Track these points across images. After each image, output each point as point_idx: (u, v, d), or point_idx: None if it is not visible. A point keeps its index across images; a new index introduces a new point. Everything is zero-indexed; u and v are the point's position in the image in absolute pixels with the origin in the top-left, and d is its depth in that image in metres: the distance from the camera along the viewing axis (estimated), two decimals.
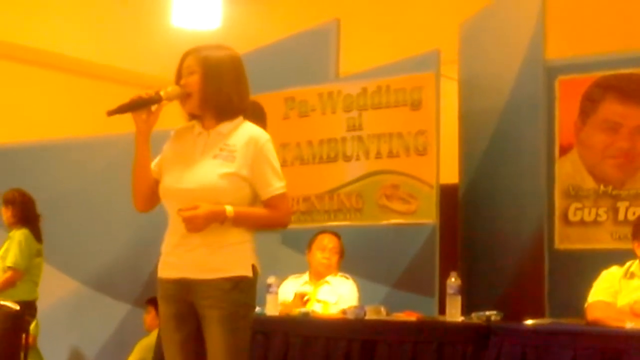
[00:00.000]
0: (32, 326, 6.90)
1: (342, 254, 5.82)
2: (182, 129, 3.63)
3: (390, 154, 6.08)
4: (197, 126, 3.58)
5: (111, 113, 3.44)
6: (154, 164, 3.60)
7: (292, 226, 6.19)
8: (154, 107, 3.49)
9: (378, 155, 6.14)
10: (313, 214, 6.36)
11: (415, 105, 6.01)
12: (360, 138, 6.22)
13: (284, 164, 6.37)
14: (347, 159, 6.27)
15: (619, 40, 6.69)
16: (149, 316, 6.69)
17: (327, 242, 5.81)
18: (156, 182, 3.57)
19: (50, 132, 8.08)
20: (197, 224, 3.39)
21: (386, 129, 6.12)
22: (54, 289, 7.16)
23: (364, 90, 6.24)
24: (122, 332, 7.18)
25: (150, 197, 3.58)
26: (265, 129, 6.43)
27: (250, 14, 8.39)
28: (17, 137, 7.91)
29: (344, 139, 6.29)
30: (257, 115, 6.54)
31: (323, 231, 5.92)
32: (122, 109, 3.45)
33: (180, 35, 8.00)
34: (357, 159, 6.23)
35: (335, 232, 5.89)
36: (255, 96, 6.45)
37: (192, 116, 3.60)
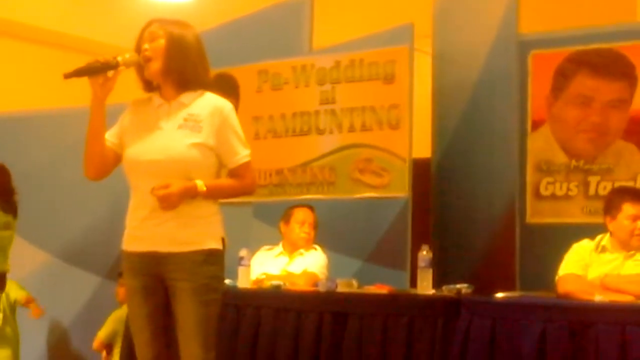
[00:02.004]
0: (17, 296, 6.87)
1: (316, 227, 5.84)
2: (139, 101, 3.63)
3: (364, 128, 6.08)
4: (155, 98, 3.58)
5: (68, 76, 3.43)
6: (109, 134, 3.59)
7: (264, 199, 6.34)
8: (110, 73, 3.47)
9: (351, 129, 6.14)
10: (285, 187, 6.36)
11: (389, 79, 6.00)
12: (333, 111, 6.22)
13: (256, 137, 6.43)
14: (320, 132, 6.27)
15: (592, 15, 6.70)
16: (121, 289, 6.67)
17: (305, 216, 5.82)
18: (110, 151, 3.57)
19: (21, 103, 8.01)
20: (172, 202, 3.40)
21: (359, 103, 6.11)
22: (25, 262, 7.10)
23: (337, 63, 6.22)
24: (94, 305, 7.15)
25: (103, 165, 3.58)
26: (238, 101, 6.53)
27: None
28: None
29: (317, 112, 6.28)
30: (230, 88, 6.59)
31: (299, 205, 5.92)
32: (78, 72, 3.44)
33: (154, 8, 7.96)
34: (330, 132, 6.23)
35: (310, 206, 5.89)
36: (228, 69, 6.60)
37: (149, 87, 3.59)
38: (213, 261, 3.49)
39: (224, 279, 3.62)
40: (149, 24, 3.57)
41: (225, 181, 3.59)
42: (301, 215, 5.82)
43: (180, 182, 3.41)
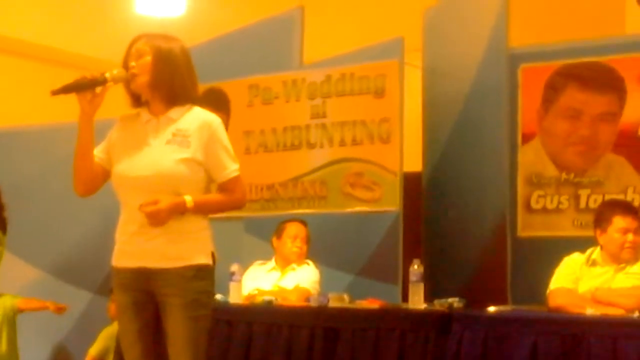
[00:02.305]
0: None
1: (309, 241, 5.83)
2: (127, 117, 3.62)
3: (354, 142, 6.08)
4: (143, 113, 3.57)
5: (56, 92, 3.43)
6: (98, 150, 3.58)
7: (255, 214, 6.33)
8: (98, 89, 3.47)
9: (342, 143, 6.14)
10: (277, 201, 6.35)
11: (379, 93, 6.01)
12: (324, 126, 6.22)
13: (247, 151, 6.43)
14: (311, 146, 6.27)
15: (581, 28, 6.72)
16: (112, 305, 6.64)
17: (298, 231, 5.81)
18: (99, 167, 3.57)
19: (11, 119, 8.00)
20: (160, 218, 3.40)
21: (350, 117, 6.11)
22: (16, 278, 7.09)
23: (328, 77, 6.23)
24: (85, 321, 7.13)
25: (92, 181, 3.58)
26: (229, 116, 6.53)
27: (214, 1, 8.35)
28: None
29: (307, 127, 6.28)
30: (221, 103, 6.59)
31: (291, 219, 5.91)
32: (66, 89, 3.44)
33: (144, 22, 7.96)
34: (321, 146, 6.22)
35: (303, 221, 5.88)
36: (219, 83, 6.60)
37: (138, 103, 3.59)
38: (203, 276, 3.48)
39: (214, 294, 3.62)
40: (135, 40, 3.57)
41: (214, 196, 3.59)
42: (293, 229, 5.81)
43: (168, 198, 3.40)
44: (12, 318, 6.94)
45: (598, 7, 7.10)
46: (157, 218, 3.39)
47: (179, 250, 3.45)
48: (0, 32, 8.76)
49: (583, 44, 5.82)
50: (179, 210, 3.42)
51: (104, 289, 6.69)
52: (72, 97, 3.48)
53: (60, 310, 6.85)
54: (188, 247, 3.47)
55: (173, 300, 3.43)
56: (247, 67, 6.57)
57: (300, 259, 5.76)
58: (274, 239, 5.86)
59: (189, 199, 3.43)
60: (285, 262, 5.78)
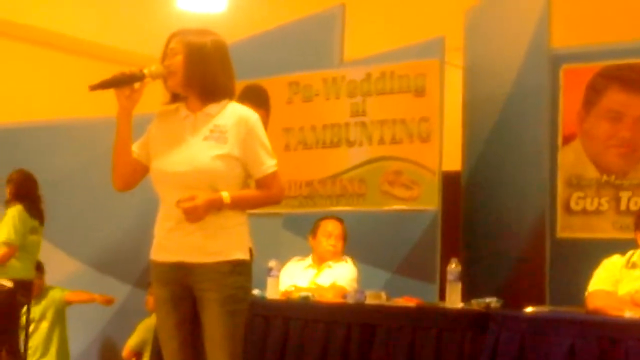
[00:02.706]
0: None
1: (346, 238, 5.83)
2: (166, 112, 3.62)
3: (394, 140, 6.08)
4: (182, 108, 3.58)
5: (94, 88, 3.44)
6: (136, 145, 3.60)
7: (294, 210, 6.35)
8: (136, 85, 3.48)
9: (381, 142, 6.14)
10: (315, 198, 6.36)
11: (419, 92, 6.00)
12: (363, 124, 6.22)
13: (287, 148, 6.44)
14: (350, 144, 6.27)
15: (624, 29, 6.66)
16: (151, 297, 6.69)
17: (332, 228, 5.81)
18: (137, 162, 3.59)
19: (53, 112, 8.08)
20: (198, 214, 3.41)
21: (389, 115, 6.11)
22: (58, 270, 7.19)
23: (368, 76, 6.23)
24: (124, 313, 7.20)
25: (131, 176, 3.60)
26: (269, 113, 6.55)
27: None
28: (19, 117, 7.90)
29: (347, 125, 6.29)
30: (261, 99, 6.61)
31: (327, 217, 5.91)
32: (104, 85, 3.45)
33: (185, 18, 8.01)
34: (360, 144, 6.23)
35: (338, 218, 5.89)
36: (259, 80, 6.62)
37: (175, 98, 3.60)
38: (240, 271, 3.49)
39: (251, 290, 3.61)
40: (170, 39, 3.57)
41: (251, 192, 3.59)
42: (328, 227, 5.82)
43: (205, 195, 3.41)
44: (62, 310, 7.08)
45: None
46: (195, 214, 3.40)
47: (216, 246, 3.46)
48: (43, 27, 8.85)
49: (625, 45, 5.77)
50: (216, 206, 3.43)
51: (142, 282, 6.76)
52: (113, 92, 3.51)
53: (108, 302, 6.96)
54: (225, 242, 3.47)
55: (210, 295, 3.44)
56: (288, 64, 6.59)
57: (334, 257, 5.75)
58: (310, 237, 5.86)
59: (225, 195, 3.44)
60: (320, 260, 5.79)
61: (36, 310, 6.93)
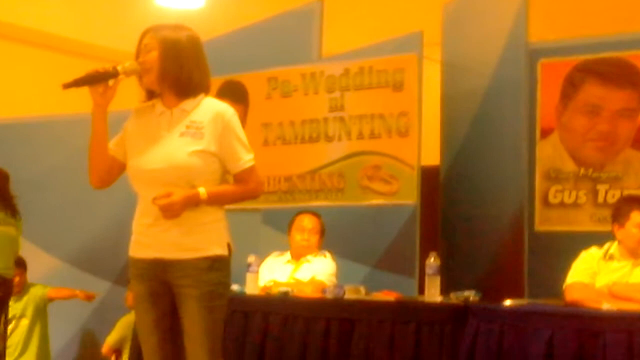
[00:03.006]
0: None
1: (322, 233, 5.83)
2: (142, 108, 3.61)
3: (372, 135, 6.08)
4: (158, 105, 3.56)
5: (67, 86, 3.43)
6: (112, 142, 3.59)
7: (273, 205, 6.34)
8: (111, 82, 3.47)
9: (360, 136, 6.14)
10: (294, 193, 6.36)
11: (398, 87, 6.00)
12: (342, 119, 6.22)
13: (265, 143, 6.43)
14: (329, 139, 6.27)
15: (601, 23, 6.68)
16: (130, 294, 6.66)
17: (307, 223, 5.81)
18: (113, 159, 3.58)
19: (31, 109, 8.03)
20: (174, 211, 3.40)
21: (368, 110, 6.11)
22: (36, 268, 7.14)
23: (347, 71, 6.22)
24: (104, 310, 7.17)
25: (107, 173, 3.59)
26: (247, 108, 6.54)
27: None
28: None
29: (326, 120, 6.28)
30: (240, 95, 6.60)
31: (302, 212, 5.91)
32: (78, 82, 3.43)
33: (163, 14, 7.97)
34: (339, 139, 6.22)
35: (314, 212, 5.89)
36: (238, 76, 6.61)
37: (150, 95, 3.59)
38: (218, 267, 3.48)
39: (229, 285, 3.61)
40: (144, 34, 3.56)
41: (228, 187, 3.58)
42: (303, 222, 5.82)
43: (182, 191, 3.40)
44: (44, 308, 7.05)
45: (618, 3, 7.06)
46: (171, 210, 3.39)
47: (194, 242, 3.45)
48: (18, 23, 8.79)
49: (602, 39, 5.79)
50: (193, 202, 3.42)
51: (121, 279, 6.73)
52: (87, 89, 3.49)
53: (89, 298, 6.94)
54: (203, 238, 3.47)
55: (188, 291, 3.44)
56: (266, 59, 6.58)
57: (308, 251, 5.75)
58: (288, 232, 5.87)
59: (202, 191, 3.43)
60: (297, 255, 5.79)
61: (17, 307, 6.90)
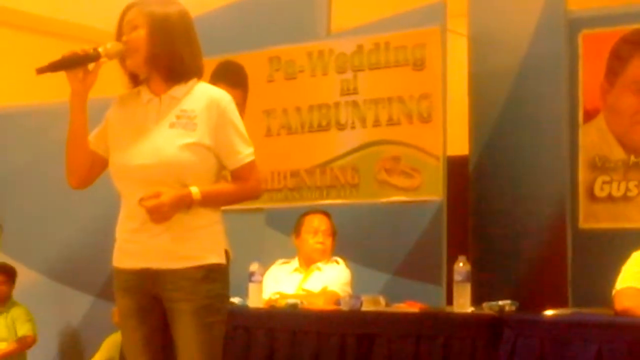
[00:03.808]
0: (28, 327, 6.99)
1: (334, 235, 5.84)
2: (127, 96, 3.61)
3: (390, 122, 6.10)
4: (144, 92, 3.56)
5: (41, 71, 3.42)
6: (93, 135, 3.59)
7: (278, 205, 6.36)
8: (91, 66, 3.47)
9: (376, 123, 6.16)
10: (302, 190, 6.38)
11: (418, 65, 6.02)
12: (355, 103, 6.24)
13: (268, 133, 6.45)
14: (340, 127, 6.29)
15: None
16: (117, 310, 6.70)
17: (319, 223, 5.83)
18: (94, 155, 3.58)
19: (1, 98, 8.07)
20: (163, 214, 3.39)
21: (385, 93, 6.14)
22: None
23: (360, 48, 6.24)
24: (87, 328, 7.21)
25: (87, 171, 3.59)
26: (246, 93, 6.55)
27: None
28: None
29: (337, 105, 6.30)
30: (238, 78, 6.61)
31: (311, 211, 5.93)
32: (54, 67, 3.43)
33: None
34: (352, 127, 6.25)
35: (324, 211, 5.90)
36: (235, 56, 6.61)
37: (134, 80, 3.59)
38: (215, 278, 3.48)
39: (229, 298, 3.63)
40: (127, 9, 3.54)
41: (224, 186, 3.59)
42: (313, 223, 5.83)
43: (172, 191, 3.40)
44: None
45: None
46: (160, 213, 3.39)
47: (187, 249, 3.46)
48: None
49: None
50: (185, 204, 3.42)
51: (106, 292, 6.73)
52: (65, 75, 3.50)
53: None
54: (197, 244, 3.47)
55: (182, 305, 3.44)
56: (267, 37, 6.60)
57: (323, 256, 5.77)
58: (294, 236, 5.88)
59: (195, 191, 3.43)
60: (308, 262, 5.80)
61: None
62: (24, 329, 7.03)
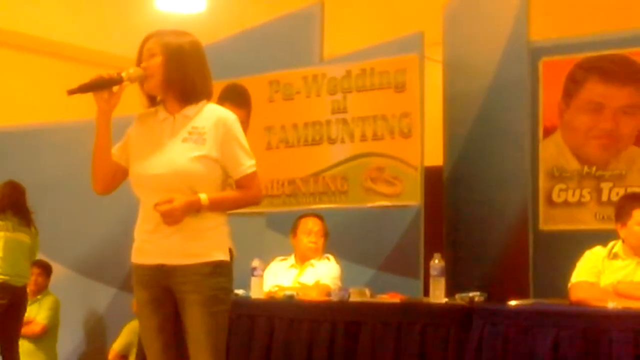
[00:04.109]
0: (43, 315, 6.97)
1: (326, 235, 5.83)
2: (145, 115, 3.62)
3: (375, 137, 6.08)
4: (160, 111, 3.57)
5: (72, 92, 3.43)
6: (115, 148, 3.59)
7: (277, 209, 6.34)
8: (115, 88, 3.48)
9: (363, 138, 6.14)
10: (298, 196, 6.36)
11: (399, 88, 6.00)
12: (344, 121, 6.22)
13: (268, 147, 6.44)
14: (331, 141, 6.27)
15: (603, 21, 6.67)
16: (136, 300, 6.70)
17: (312, 225, 5.82)
18: (117, 165, 3.58)
19: (35, 116, 8.06)
20: (175, 217, 3.40)
21: (370, 112, 6.11)
22: None
23: (348, 73, 6.23)
24: (110, 316, 7.20)
25: (111, 179, 3.59)
26: (250, 112, 6.55)
27: None
28: (0, 122, 7.88)
29: (328, 122, 6.28)
30: (242, 98, 6.60)
31: (306, 214, 5.91)
32: (83, 89, 3.44)
33: (165, 19, 7.99)
34: (342, 141, 6.22)
35: (318, 215, 5.89)
36: (240, 79, 6.62)
37: (152, 101, 3.60)
38: (220, 272, 3.48)
39: (231, 290, 3.61)
40: (146, 40, 3.56)
41: (229, 193, 3.59)
42: (308, 224, 5.82)
43: (183, 197, 3.41)
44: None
45: (619, 0, 7.06)
46: (172, 217, 3.40)
47: (195, 247, 3.46)
48: (21, 31, 8.81)
49: (604, 36, 5.78)
50: (194, 209, 3.43)
51: (127, 285, 6.73)
52: (92, 96, 3.50)
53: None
54: (205, 244, 3.47)
55: (191, 296, 3.44)
56: (268, 63, 6.58)
57: (316, 254, 5.76)
58: (291, 236, 5.86)
59: (203, 197, 3.44)
60: (303, 258, 5.79)
61: (32, 311, 6.94)
62: (41, 316, 7.02)
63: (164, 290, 3.50)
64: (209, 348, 3.44)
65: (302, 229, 5.80)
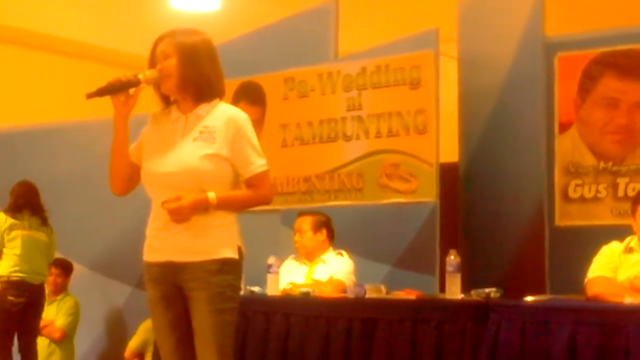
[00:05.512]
0: (62, 321, 7.00)
1: (320, 230, 5.79)
2: (159, 114, 3.64)
3: (390, 133, 6.09)
4: (173, 111, 3.59)
5: (90, 96, 3.46)
6: (131, 148, 3.62)
7: (292, 206, 6.36)
8: (132, 90, 3.50)
9: (378, 135, 6.15)
10: (313, 194, 6.37)
11: (415, 84, 6.01)
12: (360, 118, 6.23)
13: (284, 144, 6.45)
14: (347, 138, 6.28)
15: (618, 15, 6.67)
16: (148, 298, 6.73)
17: (300, 224, 5.81)
18: (133, 165, 3.60)
19: (50, 115, 8.09)
20: (183, 215, 3.43)
21: (386, 108, 6.12)
22: None
23: (363, 69, 6.24)
24: (126, 314, 7.22)
25: (128, 180, 3.62)
26: (265, 109, 6.57)
27: None
28: (16, 121, 7.92)
29: (343, 119, 6.30)
30: (257, 96, 6.63)
31: (300, 213, 5.92)
32: (100, 92, 3.47)
33: (179, 17, 8.02)
34: (357, 138, 6.24)
35: (311, 212, 5.88)
36: (254, 77, 6.63)
37: (166, 101, 3.62)
38: (228, 270, 3.49)
39: (240, 288, 3.61)
40: (159, 41, 3.57)
41: (238, 192, 3.59)
42: (296, 224, 5.83)
43: (191, 195, 3.42)
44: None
45: None
46: (180, 214, 3.42)
47: (203, 245, 3.47)
48: (38, 30, 8.86)
49: (620, 31, 5.77)
50: (202, 207, 3.44)
51: (142, 283, 6.73)
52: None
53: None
54: (212, 241, 3.48)
55: (198, 293, 3.46)
56: (283, 60, 6.60)
57: (302, 252, 5.78)
58: None
59: (212, 196, 3.45)
60: (307, 256, 5.79)
61: (50, 310, 6.98)
62: (60, 321, 7.06)
63: (174, 288, 3.53)
64: (214, 344, 3.45)
65: (295, 228, 5.83)
